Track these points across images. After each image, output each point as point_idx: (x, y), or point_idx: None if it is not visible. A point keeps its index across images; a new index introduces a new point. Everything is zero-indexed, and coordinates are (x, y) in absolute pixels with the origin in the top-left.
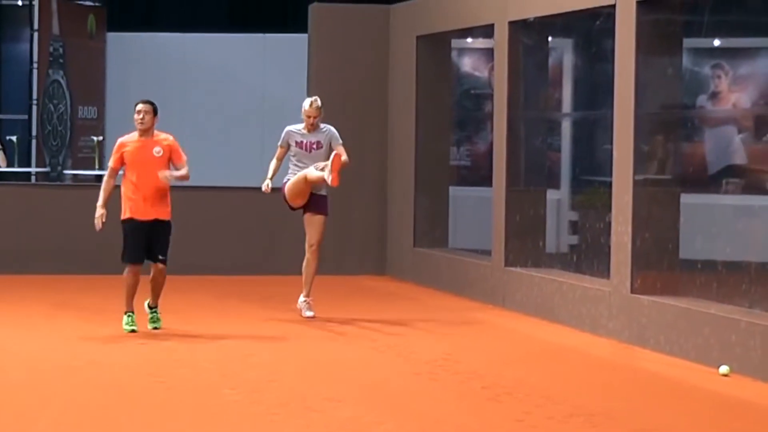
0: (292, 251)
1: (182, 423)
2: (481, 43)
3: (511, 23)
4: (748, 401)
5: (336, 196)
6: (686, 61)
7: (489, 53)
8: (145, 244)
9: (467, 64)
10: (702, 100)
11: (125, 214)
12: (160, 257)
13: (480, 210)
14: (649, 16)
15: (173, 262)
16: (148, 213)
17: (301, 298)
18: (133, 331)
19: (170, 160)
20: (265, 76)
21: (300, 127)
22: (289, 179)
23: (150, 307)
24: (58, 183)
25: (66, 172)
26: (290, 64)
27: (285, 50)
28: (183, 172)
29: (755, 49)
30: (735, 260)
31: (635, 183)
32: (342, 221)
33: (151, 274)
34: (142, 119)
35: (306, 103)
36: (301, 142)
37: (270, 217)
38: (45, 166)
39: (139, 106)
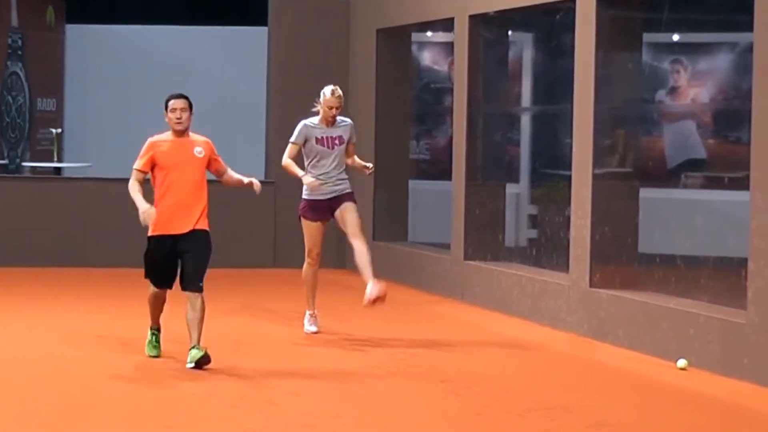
0: (252, 243)
1: (140, 416)
2: (441, 36)
3: (471, 17)
4: (706, 395)
5: (296, 189)
6: (646, 56)
7: (449, 47)
8: (175, 265)
9: (427, 58)
10: (661, 94)
11: (153, 231)
12: (199, 284)
13: (439, 204)
14: (609, 12)
15: (133, 255)
16: (182, 224)
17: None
18: (156, 356)
19: (208, 164)
20: (225, 69)
21: (316, 120)
22: (309, 192)
23: (195, 348)
24: (17, 175)
25: (24, 164)
26: (250, 57)
27: (245, 43)
28: (237, 175)
29: (714, 45)
30: (694, 254)
31: (594, 177)
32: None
33: (188, 305)
34: (179, 119)
35: (327, 91)
36: (322, 138)
37: (229, 209)
38: (3, 159)
39: (174, 103)
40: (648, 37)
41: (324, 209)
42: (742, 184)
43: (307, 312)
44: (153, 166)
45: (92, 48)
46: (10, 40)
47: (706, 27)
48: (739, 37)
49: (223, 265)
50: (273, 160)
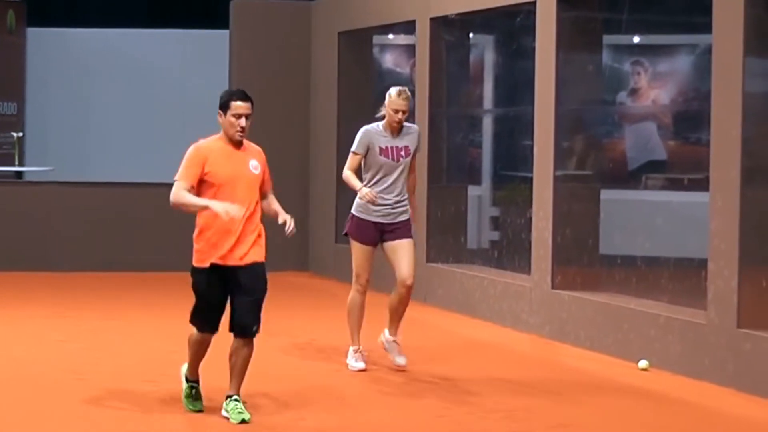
0: None
1: (102, 420)
2: (402, 39)
3: (433, 20)
4: (666, 395)
5: None
6: (606, 57)
7: (410, 50)
8: (224, 303)
9: (389, 61)
10: (622, 96)
11: (201, 261)
12: (253, 327)
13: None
14: (570, 13)
15: (95, 259)
16: (233, 255)
17: (387, 336)
18: (198, 410)
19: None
20: (186, 73)
21: (380, 126)
22: (360, 203)
23: (230, 397)
24: None
25: None
26: (211, 60)
27: (206, 46)
28: (281, 210)
29: (674, 46)
30: (654, 255)
31: (556, 179)
32: (264, 217)
33: (233, 348)
34: (242, 128)
35: (392, 92)
36: (386, 148)
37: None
38: None
39: (239, 106)
40: (608, 38)
41: (372, 233)
42: (702, 185)
43: (351, 348)
44: (201, 180)
45: (53, 51)
46: None
47: (666, 29)
48: (699, 39)
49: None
50: None
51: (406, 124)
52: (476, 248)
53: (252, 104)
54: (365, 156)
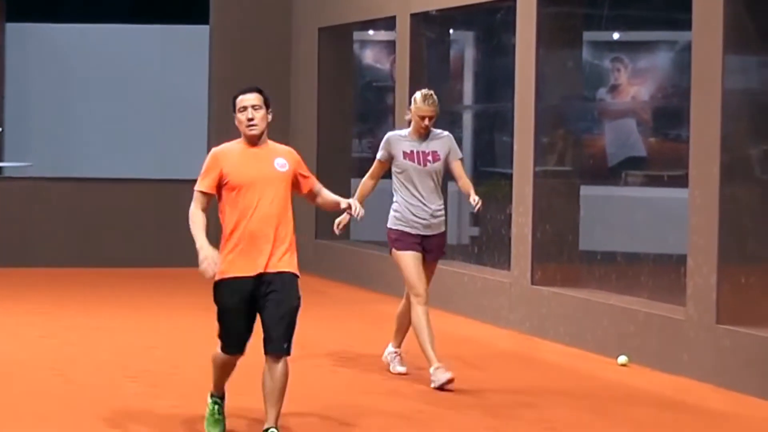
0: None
1: (81, 416)
2: (383, 35)
3: (413, 16)
4: (646, 390)
5: None
6: (586, 54)
7: (391, 46)
8: (252, 320)
9: (369, 57)
10: (602, 92)
11: (224, 271)
12: (284, 344)
13: (382, 202)
14: (550, 10)
15: (74, 254)
16: (261, 263)
17: (390, 348)
18: None
19: (294, 181)
20: (167, 68)
21: (405, 132)
22: (397, 216)
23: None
24: None
25: None
26: (192, 56)
27: (186, 42)
28: (339, 198)
29: (654, 43)
30: (634, 251)
31: (536, 175)
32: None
33: (264, 371)
34: (251, 120)
35: (418, 97)
36: (411, 152)
37: (170, 208)
38: None
39: (243, 99)
40: (588, 35)
41: (416, 239)
42: (682, 181)
43: (432, 367)
44: (220, 185)
45: (33, 47)
46: None
47: (646, 25)
48: (679, 36)
49: (166, 264)
50: None
51: (435, 129)
52: (456, 244)
53: (262, 95)
54: (389, 163)
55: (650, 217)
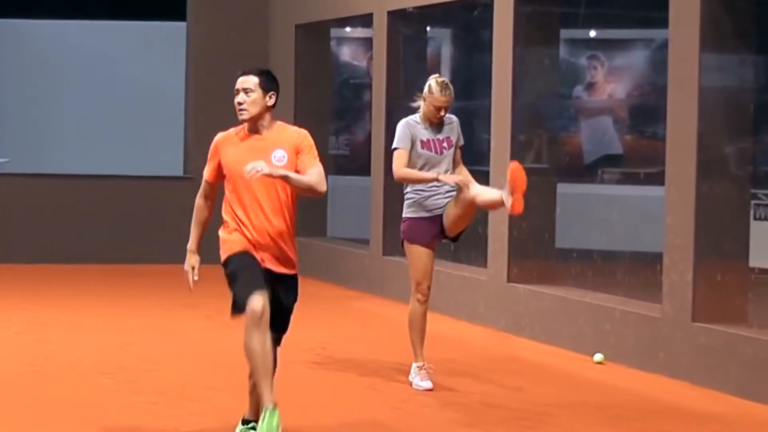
0: (171, 240)
1: (58, 412)
2: (359, 32)
3: (390, 13)
4: (622, 388)
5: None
6: (563, 51)
7: (368, 43)
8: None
9: (346, 54)
10: (578, 90)
11: (229, 250)
12: (277, 334)
13: (358, 199)
14: (526, 7)
15: (51, 251)
16: (264, 264)
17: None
18: None
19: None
20: (144, 65)
21: (417, 118)
22: (413, 205)
23: (246, 423)
24: None
25: None
26: (169, 52)
27: (163, 38)
28: (307, 178)
29: (630, 41)
30: (610, 249)
31: None
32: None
33: None
34: (240, 105)
35: (434, 87)
36: (428, 141)
37: (147, 205)
38: None
39: (239, 81)
40: (565, 33)
41: (433, 229)
42: (658, 179)
43: (414, 364)
44: (221, 175)
45: (10, 43)
46: None
47: (622, 23)
48: (655, 34)
49: (143, 261)
50: (191, 154)
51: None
52: None
53: (258, 77)
54: (412, 149)
55: (626, 214)
